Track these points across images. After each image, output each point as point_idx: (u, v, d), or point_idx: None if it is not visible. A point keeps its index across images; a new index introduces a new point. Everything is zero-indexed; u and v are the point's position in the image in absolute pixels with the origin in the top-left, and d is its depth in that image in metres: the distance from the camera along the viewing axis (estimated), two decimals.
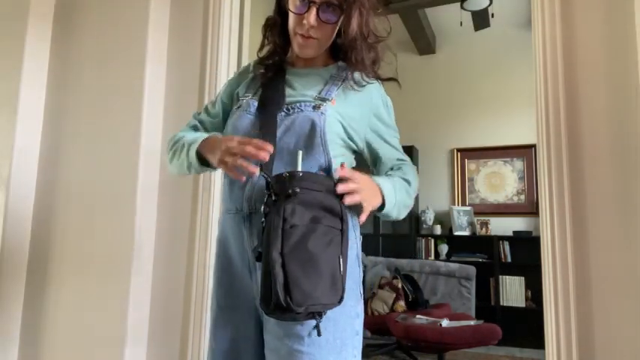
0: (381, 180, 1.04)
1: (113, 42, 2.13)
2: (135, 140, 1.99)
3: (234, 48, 2.09)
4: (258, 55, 1.19)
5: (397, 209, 1.06)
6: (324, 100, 1.05)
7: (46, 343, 2.03)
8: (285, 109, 1.04)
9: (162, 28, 2.12)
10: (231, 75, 2.06)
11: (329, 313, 0.90)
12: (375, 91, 1.12)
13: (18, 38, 2.16)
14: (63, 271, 2.05)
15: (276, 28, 1.14)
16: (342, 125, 1.05)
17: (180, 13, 2.14)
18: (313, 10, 1.03)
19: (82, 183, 2.08)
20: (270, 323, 0.97)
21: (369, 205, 0.97)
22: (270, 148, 0.89)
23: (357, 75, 1.09)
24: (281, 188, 0.88)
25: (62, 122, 2.18)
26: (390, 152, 1.15)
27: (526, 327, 4.38)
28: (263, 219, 0.89)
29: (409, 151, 5.05)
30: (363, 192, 0.94)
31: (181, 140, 1.11)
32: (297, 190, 0.87)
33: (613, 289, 1.42)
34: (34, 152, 2.17)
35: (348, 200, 0.91)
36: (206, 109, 1.23)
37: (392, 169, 1.15)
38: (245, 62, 2.16)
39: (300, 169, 0.90)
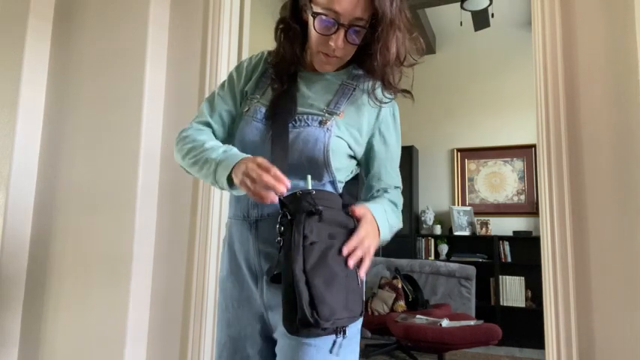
0: (376, 213, 1.00)
1: (113, 42, 2.13)
2: (135, 140, 1.99)
3: (234, 48, 2.09)
4: (267, 52, 1.15)
5: (388, 235, 1.05)
6: (332, 113, 1.03)
7: (46, 343, 2.03)
8: (292, 121, 1.02)
9: (162, 29, 2.12)
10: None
11: None
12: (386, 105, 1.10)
13: (18, 38, 2.16)
14: (63, 271, 2.06)
15: (296, 38, 1.07)
16: (347, 141, 1.04)
17: (181, 14, 2.15)
18: (341, 33, 0.98)
19: (82, 183, 2.08)
20: (278, 320, 0.97)
21: (370, 258, 0.95)
22: (288, 183, 0.88)
23: (379, 92, 1.06)
24: (296, 207, 0.88)
25: (62, 122, 2.18)
26: (386, 177, 1.12)
27: (526, 327, 4.39)
28: (279, 238, 0.90)
29: (409, 151, 5.05)
30: (370, 249, 0.94)
31: (202, 148, 1.04)
32: (320, 208, 0.88)
33: (613, 289, 1.42)
34: (34, 152, 2.17)
35: (362, 273, 0.92)
36: (211, 108, 1.16)
37: (381, 190, 1.12)
38: None
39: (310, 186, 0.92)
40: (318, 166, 1.00)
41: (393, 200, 1.10)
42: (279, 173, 0.88)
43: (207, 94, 1.99)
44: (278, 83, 1.09)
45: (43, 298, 2.07)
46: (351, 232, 0.92)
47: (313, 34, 1.01)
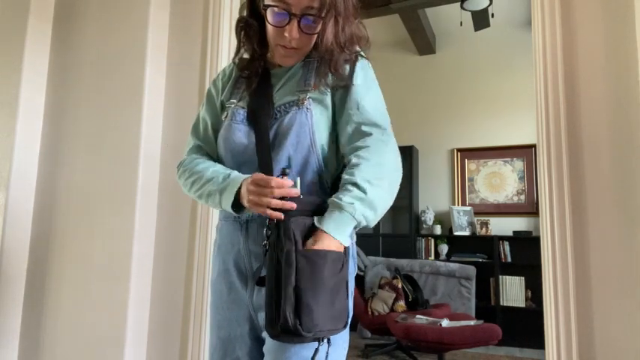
0: (327, 227, 0.92)
1: (113, 42, 2.13)
2: (135, 140, 1.99)
3: (234, 48, 2.09)
4: (234, 61, 1.15)
5: (348, 234, 0.95)
6: (304, 91, 1.02)
7: (46, 343, 2.03)
8: (272, 117, 1.02)
9: (162, 29, 2.12)
10: None
11: None
12: (357, 68, 1.05)
13: (18, 38, 2.16)
14: (63, 271, 2.06)
15: (255, 34, 1.08)
16: (327, 116, 1.03)
17: (181, 14, 2.15)
18: (294, 23, 0.98)
19: (82, 183, 2.08)
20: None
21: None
22: (293, 206, 0.90)
23: (330, 79, 1.03)
24: (284, 211, 0.90)
25: (62, 122, 2.18)
26: (352, 126, 1.01)
27: (526, 327, 4.39)
28: (266, 241, 0.91)
29: (409, 151, 5.05)
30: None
31: (203, 180, 1.04)
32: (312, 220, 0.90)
33: (613, 289, 1.42)
34: (34, 152, 2.17)
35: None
36: (196, 132, 1.16)
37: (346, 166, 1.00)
38: None
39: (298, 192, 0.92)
40: (304, 149, 0.99)
41: (354, 180, 0.94)
42: (280, 182, 0.90)
43: None
44: (246, 82, 1.09)
45: (43, 298, 2.07)
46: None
47: (269, 27, 1.02)
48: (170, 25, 2.15)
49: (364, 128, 1.00)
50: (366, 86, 1.05)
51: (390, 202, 0.99)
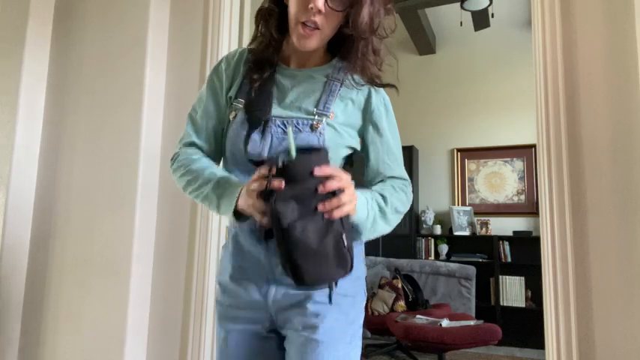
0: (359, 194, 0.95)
1: (113, 42, 2.13)
2: (135, 139, 1.99)
3: (234, 48, 2.09)
4: (249, 48, 1.10)
5: (364, 220, 0.98)
6: (322, 115, 1.01)
7: (46, 343, 2.03)
8: (281, 125, 1.00)
9: (162, 29, 2.12)
10: None
11: (343, 307, 0.99)
12: (374, 95, 1.07)
13: (18, 38, 2.16)
14: (63, 271, 2.05)
15: (274, 19, 1.04)
16: (340, 142, 1.03)
17: (181, 14, 2.15)
18: None
19: (82, 183, 2.08)
20: (288, 319, 0.99)
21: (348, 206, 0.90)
22: (280, 185, 0.87)
23: (356, 77, 1.04)
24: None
25: (62, 122, 2.18)
26: (384, 168, 1.07)
27: (526, 327, 4.39)
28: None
29: (409, 151, 5.05)
30: (350, 194, 0.89)
31: (199, 181, 1.03)
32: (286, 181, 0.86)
33: (613, 289, 1.42)
34: (34, 152, 2.17)
35: (337, 214, 0.86)
36: (195, 125, 1.13)
37: (377, 183, 1.08)
38: None
39: (293, 148, 0.88)
40: None
41: (383, 193, 1.03)
42: (257, 175, 0.89)
43: None
44: (257, 73, 1.05)
45: (43, 298, 2.07)
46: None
47: (292, 2, 0.98)
48: (170, 25, 2.15)
49: (398, 182, 1.08)
50: (392, 133, 1.09)
51: (381, 232, 1.05)
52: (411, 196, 1.10)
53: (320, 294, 0.97)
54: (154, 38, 2.07)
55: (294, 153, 0.87)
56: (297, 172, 0.86)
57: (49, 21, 2.26)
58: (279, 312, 1.00)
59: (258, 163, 0.93)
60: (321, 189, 0.85)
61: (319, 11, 0.95)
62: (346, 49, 1.03)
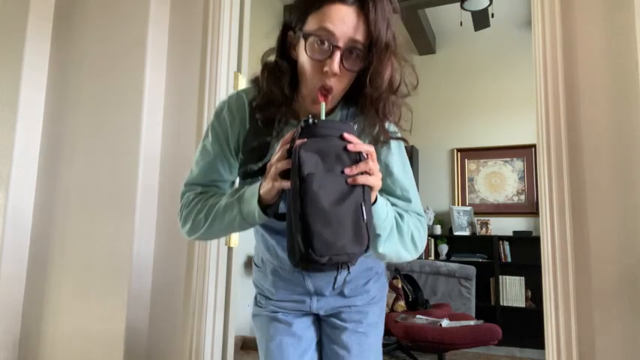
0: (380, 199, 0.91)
1: (113, 42, 2.13)
2: (135, 140, 1.98)
3: (234, 48, 2.09)
4: (251, 103, 1.02)
5: (387, 227, 0.93)
6: None
7: (46, 344, 2.03)
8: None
9: (162, 29, 2.12)
10: (230, 79, 2.06)
11: (378, 301, 1.15)
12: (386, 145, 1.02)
13: (18, 38, 2.16)
14: (63, 271, 2.05)
15: (286, 77, 0.97)
16: None
17: (181, 15, 2.15)
18: (337, 56, 0.88)
19: (82, 183, 2.08)
20: (331, 316, 1.13)
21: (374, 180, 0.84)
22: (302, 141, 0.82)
23: (377, 132, 0.97)
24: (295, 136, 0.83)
25: (62, 122, 2.18)
26: (396, 203, 1.02)
27: (526, 327, 4.39)
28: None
29: (409, 151, 5.05)
30: (374, 170, 0.83)
31: (217, 205, 0.99)
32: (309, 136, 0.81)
33: (613, 290, 1.42)
34: (34, 152, 2.17)
35: (361, 180, 0.80)
36: (204, 177, 1.12)
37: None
38: (245, 65, 2.14)
39: (323, 114, 0.86)
40: None
41: (401, 213, 0.99)
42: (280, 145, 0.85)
43: (207, 96, 1.98)
44: (269, 134, 0.99)
45: (43, 298, 2.07)
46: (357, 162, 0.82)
47: (305, 63, 0.92)
48: (170, 25, 2.15)
49: (413, 215, 1.03)
50: (406, 171, 1.07)
51: (396, 251, 0.96)
52: (425, 234, 1.02)
53: (359, 300, 1.12)
54: (153, 38, 2.07)
55: (323, 117, 0.86)
56: (324, 130, 0.82)
57: (49, 19, 2.26)
58: (320, 310, 1.14)
59: (280, 216, 0.90)
60: (350, 147, 0.81)
61: (334, 73, 0.89)
62: (362, 104, 0.96)
